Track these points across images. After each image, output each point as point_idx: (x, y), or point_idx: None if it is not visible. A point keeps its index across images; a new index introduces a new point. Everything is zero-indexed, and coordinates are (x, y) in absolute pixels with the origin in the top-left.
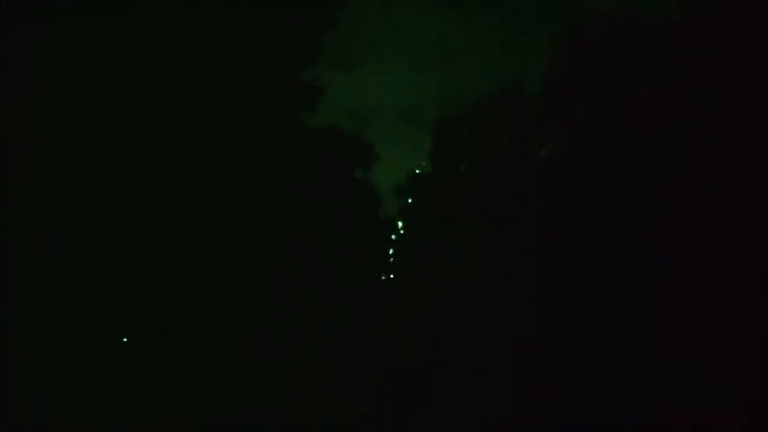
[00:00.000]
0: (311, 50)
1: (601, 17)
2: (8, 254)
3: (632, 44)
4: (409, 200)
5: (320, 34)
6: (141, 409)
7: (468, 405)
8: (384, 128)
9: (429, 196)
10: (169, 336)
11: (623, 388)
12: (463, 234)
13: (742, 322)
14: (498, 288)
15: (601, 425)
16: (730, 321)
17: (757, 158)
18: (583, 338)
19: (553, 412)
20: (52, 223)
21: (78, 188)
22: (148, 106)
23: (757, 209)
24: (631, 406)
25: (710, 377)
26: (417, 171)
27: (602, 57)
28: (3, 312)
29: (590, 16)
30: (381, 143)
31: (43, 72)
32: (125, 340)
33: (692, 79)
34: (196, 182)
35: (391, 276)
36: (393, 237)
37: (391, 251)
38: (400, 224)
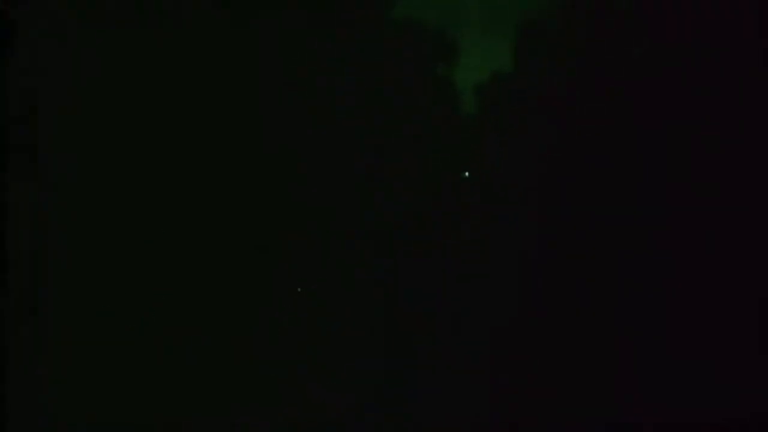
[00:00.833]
0: None
1: None
2: (7, 254)
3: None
4: (490, 101)
5: None
6: (141, 409)
7: (467, 404)
8: (469, 26)
9: (510, 97)
10: (168, 336)
11: (622, 388)
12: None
13: (742, 322)
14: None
15: (601, 425)
16: (730, 321)
17: (758, 156)
18: (581, 338)
19: (553, 413)
20: (52, 223)
21: (77, 188)
22: (146, 90)
23: (757, 207)
24: (630, 406)
25: (710, 377)
26: (498, 71)
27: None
28: (3, 311)
29: None
30: (464, 41)
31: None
32: (125, 339)
33: (692, 70)
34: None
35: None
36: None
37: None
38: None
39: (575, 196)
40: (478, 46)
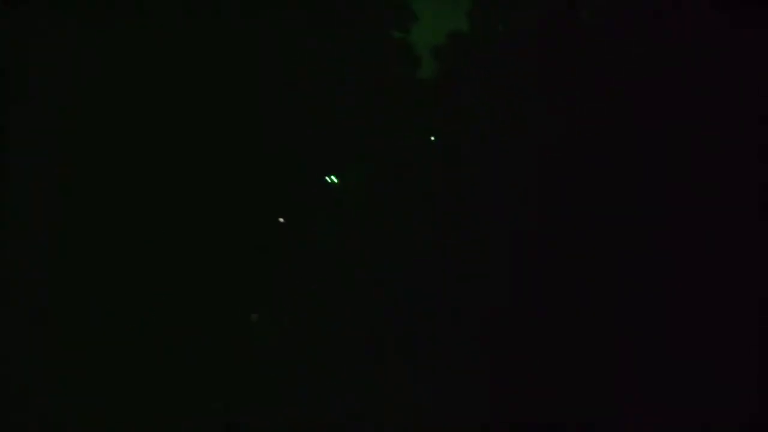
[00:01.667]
0: None
1: None
2: (7, 253)
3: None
4: (447, 62)
5: None
6: (140, 409)
7: (465, 404)
8: None
9: (466, 59)
10: (167, 336)
11: (621, 388)
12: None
13: (742, 323)
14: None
15: (600, 425)
16: (729, 321)
17: (758, 155)
18: (581, 338)
19: (553, 412)
20: (52, 222)
21: (76, 187)
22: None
23: (754, 207)
24: (629, 406)
25: (710, 378)
26: (456, 32)
27: None
28: (2, 312)
29: None
30: (417, 3)
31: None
32: (124, 339)
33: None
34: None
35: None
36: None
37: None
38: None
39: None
40: (431, 9)
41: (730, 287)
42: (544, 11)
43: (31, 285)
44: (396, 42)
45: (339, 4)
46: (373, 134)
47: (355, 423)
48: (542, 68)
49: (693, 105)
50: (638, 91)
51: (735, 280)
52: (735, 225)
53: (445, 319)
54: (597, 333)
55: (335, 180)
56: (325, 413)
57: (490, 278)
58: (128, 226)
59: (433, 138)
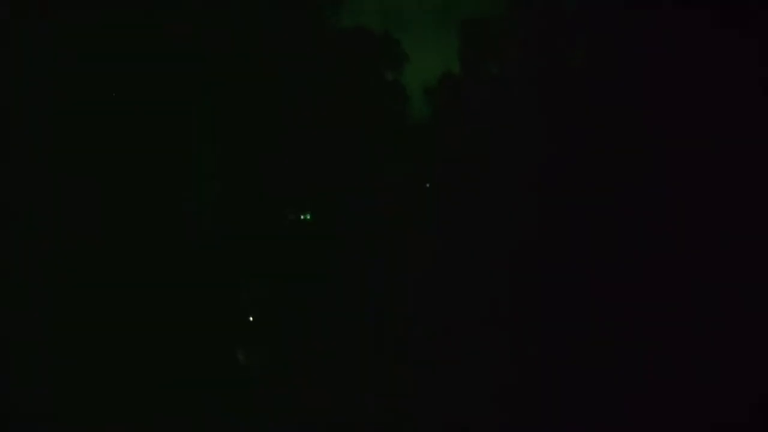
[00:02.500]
0: None
1: None
2: (7, 253)
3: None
4: (438, 102)
5: None
6: (139, 409)
7: (465, 403)
8: (415, 30)
9: (457, 99)
10: (165, 335)
11: (622, 389)
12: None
13: (742, 323)
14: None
15: (600, 425)
16: (730, 321)
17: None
18: (581, 338)
19: (552, 412)
20: (51, 221)
21: (74, 186)
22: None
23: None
24: (629, 405)
25: (711, 377)
26: (447, 72)
27: None
28: (2, 311)
29: None
30: (410, 45)
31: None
32: (123, 339)
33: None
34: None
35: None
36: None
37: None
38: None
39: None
40: (424, 49)
41: (729, 287)
42: (533, 55)
43: (28, 284)
44: (389, 82)
45: (335, 44)
46: (364, 171)
47: (355, 424)
48: (531, 109)
49: (689, 106)
50: (582, 92)
51: (734, 281)
52: (734, 227)
53: (448, 321)
54: (596, 333)
55: (309, 217)
56: (324, 415)
57: (490, 285)
58: (118, 217)
59: (428, 185)
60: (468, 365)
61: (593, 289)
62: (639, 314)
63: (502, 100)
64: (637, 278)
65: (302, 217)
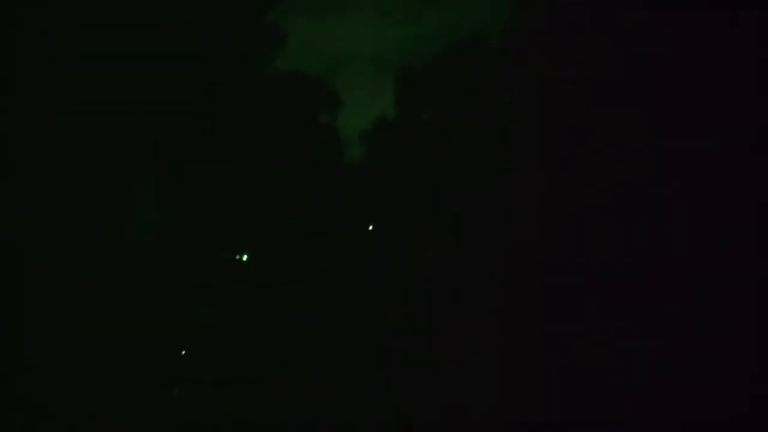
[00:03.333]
0: None
1: None
2: (6, 253)
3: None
4: (373, 145)
5: None
6: (139, 408)
7: (463, 402)
8: (351, 75)
9: (393, 143)
10: (164, 335)
11: (621, 390)
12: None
13: (741, 323)
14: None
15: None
16: (729, 321)
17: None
18: (581, 339)
19: (551, 412)
20: (51, 220)
21: (73, 185)
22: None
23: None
24: (629, 406)
25: (710, 377)
26: (382, 117)
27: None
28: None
29: None
30: (346, 89)
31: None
32: (121, 339)
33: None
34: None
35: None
36: (357, 182)
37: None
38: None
39: (543, 151)
40: (361, 93)
41: (729, 288)
42: (476, 98)
43: (28, 284)
44: (323, 125)
45: (272, 87)
46: (299, 210)
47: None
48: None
49: (689, 106)
50: (612, 42)
51: (734, 281)
52: (733, 227)
53: (449, 324)
54: (596, 332)
55: (245, 258)
56: (322, 414)
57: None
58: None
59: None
60: (467, 366)
61: (592, 289)
62: (638, 313)
63: (437, 146)
64: (636, 278)
65: (237, 257)
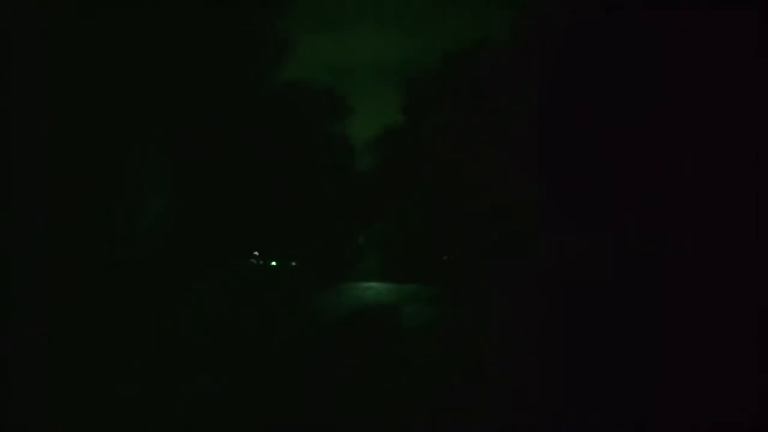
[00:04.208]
0: (285, 8)
1: None
2: (6, 252)
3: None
4: (383, 154)
5: None
6: (138, 408)
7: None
8: (359, 84)
9: (402, 151)
10: (164, 335)
11: (621, 390)
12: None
13: (741, 323)
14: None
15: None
16: (729, 322)
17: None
18: (581, 341)
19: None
20: (51, 220)
21: (73, 185)
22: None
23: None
24: (629, 406)
25: (710, 378)
26: (391, 124)
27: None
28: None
29: None
30: (356, 98)
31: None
32: (121, 339)
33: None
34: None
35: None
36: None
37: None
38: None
39: (551, 153)
40: (369, 101)
41: (729, 290)
42: (482, 104)
43: (28, 284)
44: (333, 134)
45: (281, 96)
46: (310, 219)
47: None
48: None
49: (689, 105)
50: (615, 44)
51: (733, 283)
52: (734, 226)
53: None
54: (596, 336)
55: (261, 262)
56: (320, 416)
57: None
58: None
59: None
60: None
61: (591, 288)
62: (637, 312)
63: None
64: (635, 276)
65: (254, 261)
